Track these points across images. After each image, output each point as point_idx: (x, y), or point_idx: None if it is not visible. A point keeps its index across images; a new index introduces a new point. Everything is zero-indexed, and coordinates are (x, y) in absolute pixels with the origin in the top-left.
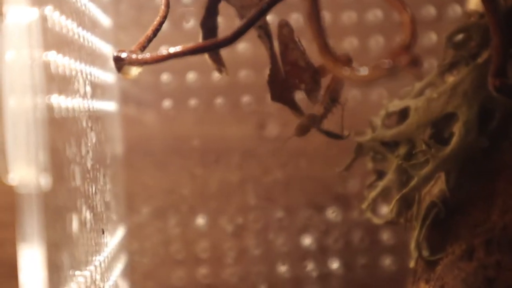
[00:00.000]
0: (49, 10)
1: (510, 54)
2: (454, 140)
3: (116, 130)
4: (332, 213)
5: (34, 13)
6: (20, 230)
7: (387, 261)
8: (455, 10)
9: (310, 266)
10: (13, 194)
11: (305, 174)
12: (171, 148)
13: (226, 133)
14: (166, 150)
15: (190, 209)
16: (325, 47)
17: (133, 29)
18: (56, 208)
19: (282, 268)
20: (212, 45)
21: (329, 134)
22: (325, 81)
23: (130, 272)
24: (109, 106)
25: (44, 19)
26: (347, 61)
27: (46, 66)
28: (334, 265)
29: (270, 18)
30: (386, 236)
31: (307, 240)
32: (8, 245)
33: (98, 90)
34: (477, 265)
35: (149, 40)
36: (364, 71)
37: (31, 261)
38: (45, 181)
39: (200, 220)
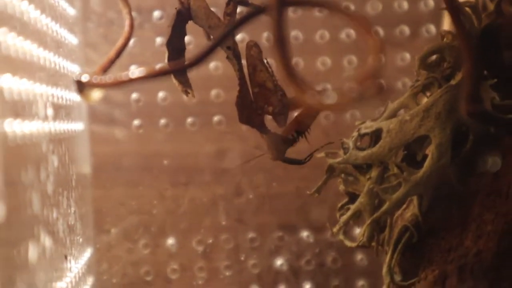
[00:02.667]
0: (3, 32)
1: (483, 78)
2: (427, 163)
3: (85, 150)
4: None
5: None
6: None
7: (360, 283)
8: (429, 29)
9: (282, 287)
10: None
11: (277, 194)
12: (141, 167)
13: (197, 153)
14: (136, 170)
15: (160, 229)
16: (291, 74)
17: (103, 46)
18: (9, 239)
19: None
20: (175, 68)
21: (290, 161)
22: None
23: None
24: (76, 126)
25: None
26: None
27: None
28: (307, 286)
29: (239, 37)
30: (359, 258)
31: (279, 261)
32: None
33: (62, 111)
34: None
35: (112, 62)
36: (331, 97)
37: None
38: None
39: (170, 241)
